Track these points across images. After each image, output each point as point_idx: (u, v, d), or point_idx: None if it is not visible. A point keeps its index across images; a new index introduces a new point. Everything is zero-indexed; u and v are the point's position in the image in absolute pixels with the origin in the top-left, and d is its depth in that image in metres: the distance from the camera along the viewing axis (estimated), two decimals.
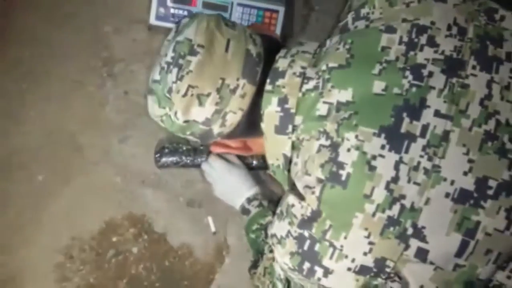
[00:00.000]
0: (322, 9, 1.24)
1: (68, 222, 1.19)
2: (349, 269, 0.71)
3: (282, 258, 0.77)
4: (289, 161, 0.80)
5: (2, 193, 1.20)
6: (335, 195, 0.71)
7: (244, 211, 1.07)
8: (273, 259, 0.84)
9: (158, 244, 1.20)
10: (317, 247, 0.72)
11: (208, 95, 0.76)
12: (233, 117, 0.78)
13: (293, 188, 0.77)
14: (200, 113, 0.78)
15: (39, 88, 1.23)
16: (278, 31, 1.22)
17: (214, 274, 1.19)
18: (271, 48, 0.81)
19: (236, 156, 1.12)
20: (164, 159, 1.17)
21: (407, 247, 0.69)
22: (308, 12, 1.26)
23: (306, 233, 0.73)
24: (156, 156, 1.18)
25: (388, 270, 0.70)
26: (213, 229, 1.21)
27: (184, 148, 1.16)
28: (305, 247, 0.73)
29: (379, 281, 0.71)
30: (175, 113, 0.78)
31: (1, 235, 1.19)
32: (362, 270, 0.71)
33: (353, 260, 0.70)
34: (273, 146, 0.81)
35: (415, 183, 0.68)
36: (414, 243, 0.69)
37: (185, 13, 1.21)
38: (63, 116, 1.23)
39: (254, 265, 1.00)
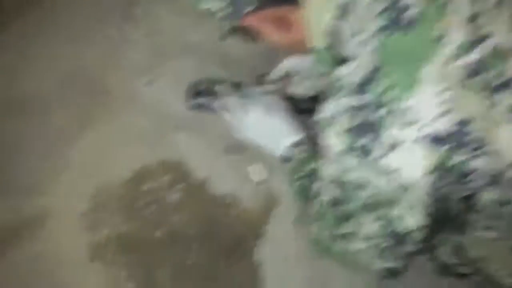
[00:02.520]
0: None
1: (94, 170, 1.04)
2: (416, 140, 0.56)
3: (335, 140, 0.63)
4: (335, 36, 0.67)
5: (20, 137, 1.07)
6: (396, 44, 0.58)
7: (286, 159, 0.93)
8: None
9: (197, 192, 1.03)
10: (374, 116, 0.58)
11: None
12: None
13: (342, 60, 0.65)
14: None
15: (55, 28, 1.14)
16: None
17: (265, 225, 1.02)
18: None
19: (281, 98, 0.98)
20: (197, 101, 1.04)
21: (495, 102, 0.54)
22: None
23: (361, 101, 0.60)
24: (189, 96, 1.04)
25: (469, 138, 0.55)
26: (258, 176, 1.06)
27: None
28: (361, 119, 0.60)
29: (458, 158, 0.56)
30: None
31: (24, 178, 1.04)
32: (434, 141, 0.55)
33: (421, 128, 0.56)
34: (316, 14, 0.68)
35: (500, 20, 0.55)
36: (505, 97, 0.54)
37: None
38: (81, 59, 1.12)
39: (300, 218, 0.84)
